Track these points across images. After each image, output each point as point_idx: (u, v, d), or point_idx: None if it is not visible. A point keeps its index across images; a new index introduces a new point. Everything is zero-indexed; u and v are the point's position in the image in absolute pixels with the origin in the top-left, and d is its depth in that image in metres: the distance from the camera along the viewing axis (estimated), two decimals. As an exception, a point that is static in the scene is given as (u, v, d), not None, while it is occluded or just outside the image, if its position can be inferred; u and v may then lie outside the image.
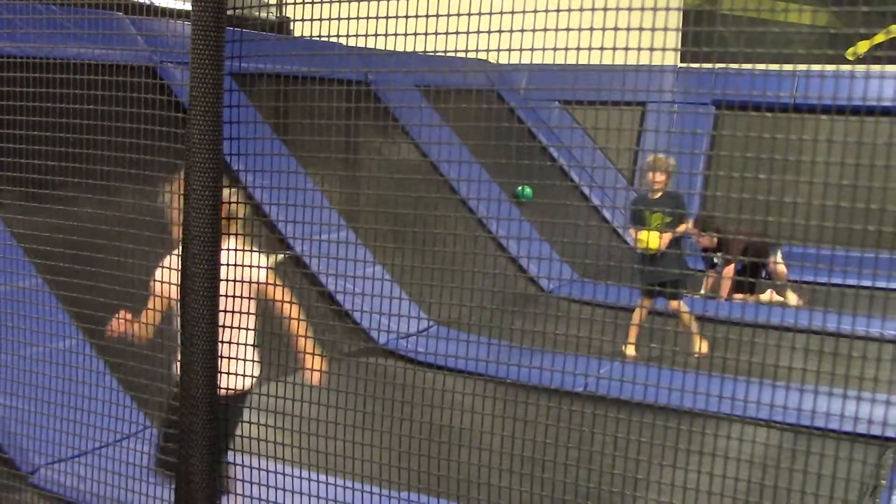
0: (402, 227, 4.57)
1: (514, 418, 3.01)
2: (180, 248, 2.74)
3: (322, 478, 3.07)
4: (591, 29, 2.57)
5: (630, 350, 6.64)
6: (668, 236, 6.33)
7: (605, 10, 2.60)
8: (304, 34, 3.20)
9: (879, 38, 10.84)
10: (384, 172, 7.47)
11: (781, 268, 8.63)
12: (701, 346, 6.38)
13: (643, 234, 6.30)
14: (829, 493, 2.42)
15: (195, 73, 2.50)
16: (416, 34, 2.86)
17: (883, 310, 6.74)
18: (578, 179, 10.42)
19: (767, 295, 8.72)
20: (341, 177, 7.16)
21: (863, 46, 10.91)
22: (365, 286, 4.70)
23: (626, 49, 2.60)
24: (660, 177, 6.52)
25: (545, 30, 2.70)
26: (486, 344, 3.59)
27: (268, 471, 3.00)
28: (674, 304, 6.62)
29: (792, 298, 8.44)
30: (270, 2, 8.72)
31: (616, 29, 2.60)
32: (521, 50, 2.72)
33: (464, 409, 3.15)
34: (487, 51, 2.73)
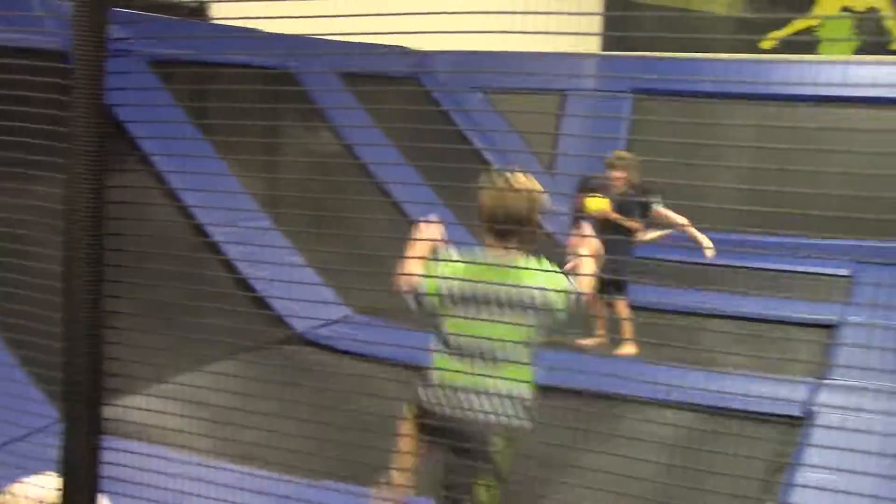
0: (321, 213, 4.54)
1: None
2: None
3: (238, 467, 3.03)
4: (508, 11, 2.57)
5: (587, 341, 6.75)
6: (609, 208, 6.42)
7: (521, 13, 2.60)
8: (223, 19, 3.15)
9: (791, 28, 11.10)
10: (304, 159, 7.40)
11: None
12: (626, 347, 6.50)
13: (589, 201, 6.43)
14: (740, 471, 2.47)
15: (77, 55, 2.46)
16: (335, 17, 2.83)
17: (795, 293, 6.93)
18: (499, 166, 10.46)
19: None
20: (260, 163, 7.07)
21: (769, 42, 11.17)
22: (282, 273, 4.66)
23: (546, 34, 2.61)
24: (618, 174, 6.61)
25: (467, 13, 2.70)
26: (406, 332, 3.58)
27: (181, 461, 2.96)
28: (617, 302, 6.70)
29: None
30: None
31: (536, 13, 2.60)
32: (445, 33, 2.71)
33: (383, 397, 3.14)
34: (406, 33, 2.72)
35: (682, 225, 8.28)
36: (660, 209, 8.35)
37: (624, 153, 6.73)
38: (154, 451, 2.99)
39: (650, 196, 7.05)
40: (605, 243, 6.35)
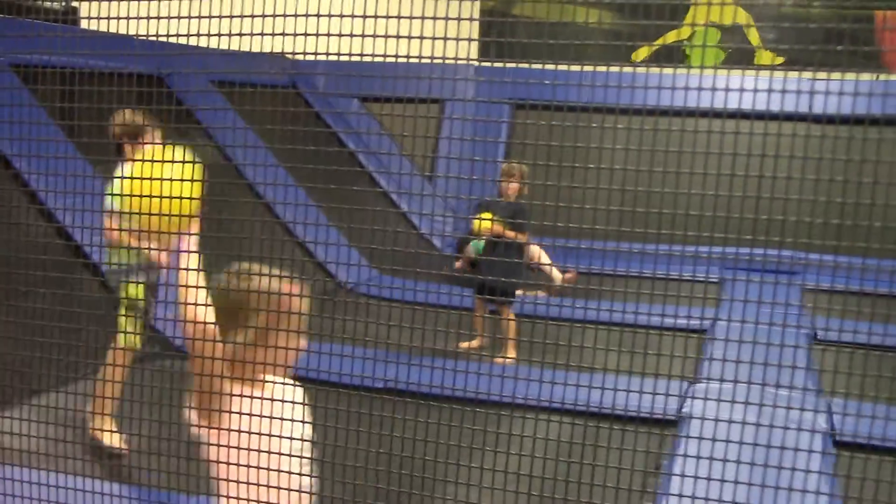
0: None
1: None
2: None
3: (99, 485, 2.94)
4: (382, 16, 2.56)
5: (467, 344, 6.86)
6: (498, 227, 6.49)
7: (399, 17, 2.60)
8: (93, 26, 3.05)
9: (660, 41, 11.44)
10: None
11: (534, 248, 8.75)
12: (507, 354, 6.62)
13: (476, 222, 6.67)
14: (617, 475, 2.52)
15: None
16: (209, 19, 2.77)
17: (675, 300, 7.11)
18: (386, 184, 10.46)
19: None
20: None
21: (643, 52, 11.48)
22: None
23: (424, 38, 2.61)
24: (511, 185, 6.72)
25: (345, 15, 2.68)
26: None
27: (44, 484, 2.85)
28: (504, 310, 6.79)
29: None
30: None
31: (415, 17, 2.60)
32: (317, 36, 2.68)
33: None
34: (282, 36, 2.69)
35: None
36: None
37: (516, 164, 6.82)
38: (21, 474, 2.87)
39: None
40: (497, 254, 6.46)
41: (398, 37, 2.60)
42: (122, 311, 4.36)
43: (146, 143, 4.39)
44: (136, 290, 4.30)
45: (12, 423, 3.08)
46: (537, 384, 2.67)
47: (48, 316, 3.08)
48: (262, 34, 2.67)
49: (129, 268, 4.32)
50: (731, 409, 2.69)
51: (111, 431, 4.35)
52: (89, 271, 5.65)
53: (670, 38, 11.39)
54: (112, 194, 4.18)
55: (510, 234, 6.59)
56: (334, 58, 2.77)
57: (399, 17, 2.58)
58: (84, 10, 2.94)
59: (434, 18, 2.61)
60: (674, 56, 11.00)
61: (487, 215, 6.56)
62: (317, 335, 3.27)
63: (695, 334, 6.47)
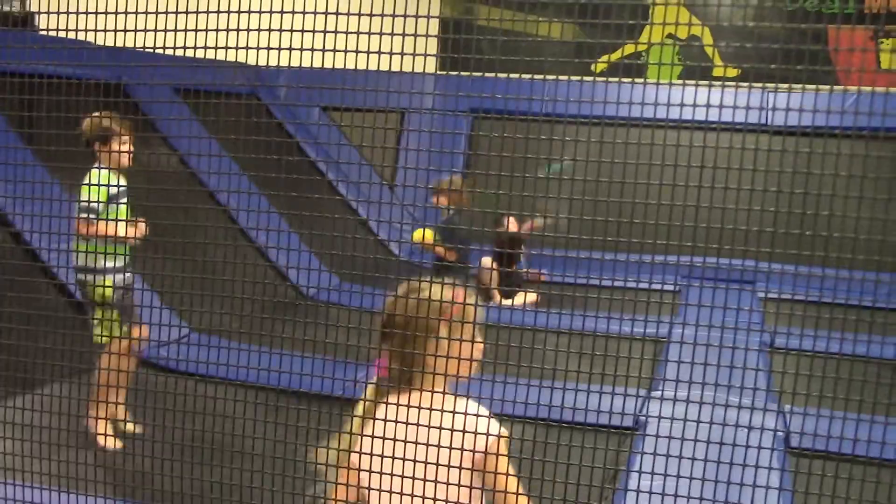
0: (160, 234, 4.46)
1: (275, 423, 2.99)
2: None
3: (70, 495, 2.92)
4: (346, 32, 2.59)
5: None
6: (430, 236, 6.61)
7: (360, 15, 2.63)
8: (51, 30, 3.04)
9: (620, 52, 11.56)
10: (139, 176, 7.19)
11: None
12: None
13: (417, 232, 6.89)
14: (576, 481, 2.56)
15: None
16: (173, 30, 2.78)
17: (628, 309, 7.19)
18: (346, 192, 10.47)
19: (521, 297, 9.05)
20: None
21: (602, 63, 11.60)
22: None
23: (384, 52, 2.64)
24: (442, 199, 6.89)
25: (310, 31, 2.70)
26: (248, 351, 3.54)
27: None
28: None
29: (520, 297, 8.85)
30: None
31: (377, 33, 2.63)
32: (279, 50, 2.70)
33: (221, 416, 3.09)
34: (245, 48, 2.70)
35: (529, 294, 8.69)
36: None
37: (450, 179, 6.98)
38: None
39: (518, 245, 7.44)
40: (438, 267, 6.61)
41: (357, 51, 2.63)
42: (98, 312, 4.47)
43: (115, 147, 4.50)
44: (103, 291, 4.42)
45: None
46: (493, 389, 2.71)
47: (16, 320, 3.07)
48: (226, 47, 2.68)
49: (97, 268, 4.42)
50: (687, 413, 2.74)
51: (110, 434, 4.49)
52: (48, 276, 5.62)
53: (628, 49, 11.52)
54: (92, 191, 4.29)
55: (439, 250, 6.72)
56: (296, 66, 2.79)
57: (357, 32, 2.61)
58: (42, 19, 2.93)
59: (392, 33, 2.65)
60: (632, 68, 11.13)
61: (428, 232, 6.73)
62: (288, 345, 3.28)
63: (652, 341, 6.55)
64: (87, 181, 4.50)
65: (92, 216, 4.39)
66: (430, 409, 2.16)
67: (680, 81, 2.89)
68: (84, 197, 4.39)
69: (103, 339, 4.42)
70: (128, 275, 4.56)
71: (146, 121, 7.73)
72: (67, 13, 2.83)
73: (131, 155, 4.61)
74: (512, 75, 2.97)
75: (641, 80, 10.47)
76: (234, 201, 7.70)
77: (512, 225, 8.34)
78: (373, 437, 2.20)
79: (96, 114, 4.57)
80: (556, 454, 2.64)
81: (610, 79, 11.07)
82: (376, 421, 2.22)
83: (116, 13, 2.77)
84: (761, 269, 8.12)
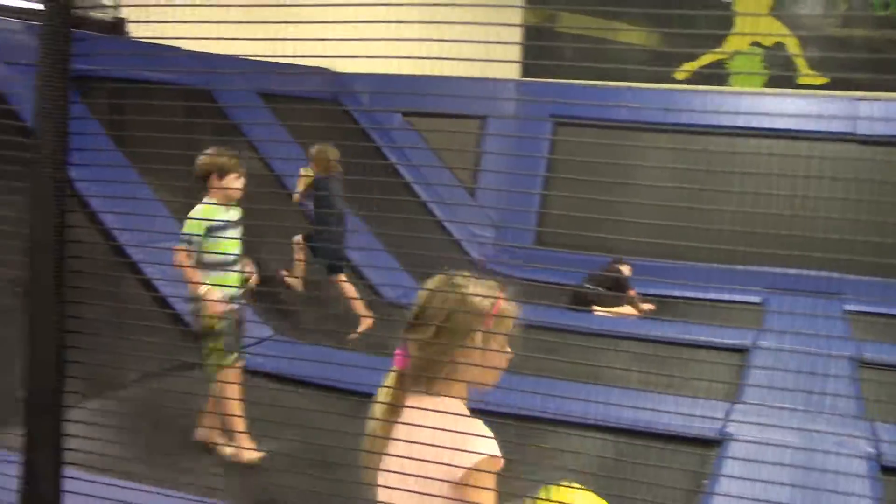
0: (249, 236, 4.57)
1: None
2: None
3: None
4: (432, 40, 2.60)
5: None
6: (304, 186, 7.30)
7: (440, 23, 2.63)
8: (142, 36, 3.11)
9: (703, 60, 11.40)
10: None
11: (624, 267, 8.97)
12: (364, 323, 7.20)
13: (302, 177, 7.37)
14: (659, 492, 2.52)
15: (42, 82, 2.40)
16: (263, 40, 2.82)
17: (717, 319, 7.08)
18: (424, 195, 10.52)
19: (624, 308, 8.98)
20: (182, 185, 7.01)
21: (683, 73, 11.44)
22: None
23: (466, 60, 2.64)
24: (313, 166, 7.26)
25: (395, 40, 2.71)
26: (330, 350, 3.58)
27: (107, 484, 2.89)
28: (338, 278, 7.28)
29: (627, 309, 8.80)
30: (105, 2, 8.44)
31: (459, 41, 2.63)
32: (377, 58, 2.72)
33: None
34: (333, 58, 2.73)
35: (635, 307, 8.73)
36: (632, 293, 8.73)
37: (316, 148, 7.30)
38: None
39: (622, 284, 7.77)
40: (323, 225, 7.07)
41: (440, 58, 2.63)
42: (209, 340, 4.63)
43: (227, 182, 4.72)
44: (214, 320, 4.57)
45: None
46: (578, 401, 2.68)
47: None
48: (312, 55, 2.71)
49: (205, 297, 4.59)
50: (772, 423, 2.68)
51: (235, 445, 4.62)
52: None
53: (709, 59, 11.37)
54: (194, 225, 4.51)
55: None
56: (379, 72, 2.80)
57: (440, 40, 2.61)
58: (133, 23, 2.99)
59: (473, 40, 2.64)
60: (715, 76, 10.96)
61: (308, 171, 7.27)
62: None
63: (737, 354, 6.43)
64: (192, 214, 4.70)
65: (190, 247, 4.57)
66: (434, 411, 2.13)
67: (766, 90, 2.82)
68: (186, 229, 4.62)
69: (212, 368, 4.56)
70: (237, 305, 4.72)
71: (232, 125, 7.89)
72: (156, 22, 2.89)
73: (240, 188, 4.82)
74: (594, 82, 2.94)
75: (725, 88, 10.30)
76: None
77: (626, 271, 8.52)
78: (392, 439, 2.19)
79: (209, 150, 4.78)
80: (637, 465, 2.61)
81: (693, 86, 10.92)
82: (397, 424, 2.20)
83: (208, 22, 2.82)
84: (848, 280, 7.95)
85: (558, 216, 8.34)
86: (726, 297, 8.39)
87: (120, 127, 6.04)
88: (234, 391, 4.53)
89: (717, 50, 10.68)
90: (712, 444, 4.96)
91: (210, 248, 4.63)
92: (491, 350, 2.10)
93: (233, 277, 4.71)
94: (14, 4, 4.35)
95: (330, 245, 7.15)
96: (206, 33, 2.87)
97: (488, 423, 1.99)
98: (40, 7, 2.41)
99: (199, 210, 4.72)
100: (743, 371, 6.35)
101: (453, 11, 2.61)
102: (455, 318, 2.08)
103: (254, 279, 4.91)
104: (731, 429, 5.11)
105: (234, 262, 4.67)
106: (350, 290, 7.27)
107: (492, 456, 2.01)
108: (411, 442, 2.06)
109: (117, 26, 8.88)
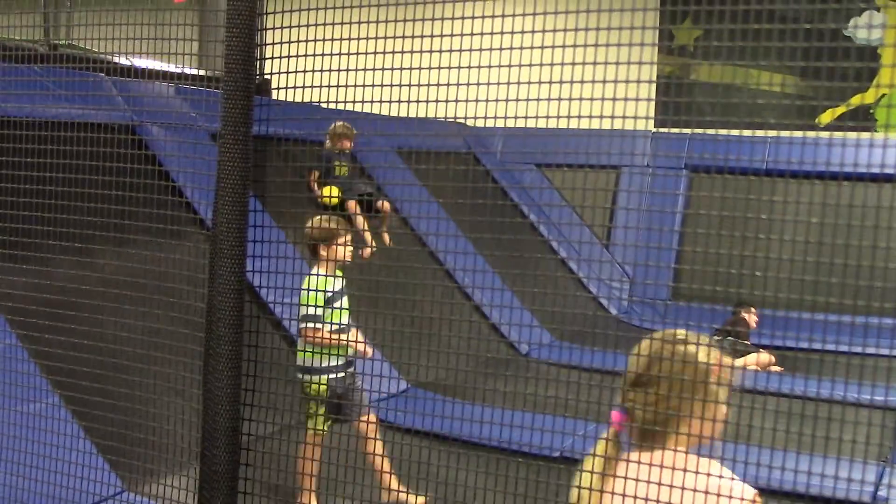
0: (380, 292, 4.64)
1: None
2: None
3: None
4: (570, 99, 2.63)
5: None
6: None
7: (579, 82, 2.66)
8: (283, 97, 3.24)
9: (842, 109, 11.08)
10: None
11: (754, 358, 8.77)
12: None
13: (326, 190, 7.76)
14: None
15: (225, 142, 2.53)
16: (401, 101, 2.91)
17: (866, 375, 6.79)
18: (558, 247, 10.50)
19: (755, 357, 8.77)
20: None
21: (827, 116, 11.14)
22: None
23: (601, 117, 2.66)
24: (346, 143, 7.69)
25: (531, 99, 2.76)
26: (462, 405, 3.60)
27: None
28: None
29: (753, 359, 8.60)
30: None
31: (591, 99, 2.66)
32: (509, 118, 2.77)
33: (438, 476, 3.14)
34: (469, 117, 2.79)
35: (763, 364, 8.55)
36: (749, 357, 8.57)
37: (335, 124, 7.58)
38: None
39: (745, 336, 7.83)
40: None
41: (579, 116, 2.65)
42: (311, 404, 4.74)
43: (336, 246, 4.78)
44: (318, 387, 4.66)
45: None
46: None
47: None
48: (454, 117, 2.78)
49: (314, 367, 4.72)
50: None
51: None
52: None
53: (856, 100, 11.03)
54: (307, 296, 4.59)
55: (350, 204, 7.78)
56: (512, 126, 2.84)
57: (571, 92, 2.64)
58: (275, 81, 3.14)
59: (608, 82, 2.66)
60: (861, 119, 10.62)
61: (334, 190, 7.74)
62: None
63: (893, 412, 6.13)
64: (305, 286, 4.73)
65: (317, 324, 4.62)
66: (674, 469, 2.09)
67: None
68: (304, 303, 4.68)
69: (310, 430, 4.62)
70: (346, 372, 4.80)
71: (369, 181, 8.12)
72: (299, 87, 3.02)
73: (350, 252, 4.90)
74: (731, 132, 2.91)
75: (871, 134, 9.97)
76: (452, 260, 7.88)
77: (751, 320, 8.43)
78: (613, 493, 2.16)
79: (318, 217, 4.94)
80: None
81: (835, 133, 10.61)
82: (617, 479, 2.18)
83: (354, 86, 2.93)
84: None
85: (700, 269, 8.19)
86: (879, 351, 8.01)
87: (266, 187, 6.25)
88: (316, 454, 4.62)
89: (861, 93, 10.36)
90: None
91: (326, 320, 4.70)
92: (720, 403, 2.12)
93: (342, 347, 4.79)
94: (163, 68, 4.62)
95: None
96: (347, 92, 2.98)
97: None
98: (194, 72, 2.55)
99: (312, 282, 4.78)
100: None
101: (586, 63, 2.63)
102: (688, 372, 2.11)
103: (368, 351, 4.93)
104: (883, 492, 4.86)
105: (344, 331, 4.74)
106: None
107: (755, 500, 2.02)
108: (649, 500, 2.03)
109: (263, 86, 9.23)
